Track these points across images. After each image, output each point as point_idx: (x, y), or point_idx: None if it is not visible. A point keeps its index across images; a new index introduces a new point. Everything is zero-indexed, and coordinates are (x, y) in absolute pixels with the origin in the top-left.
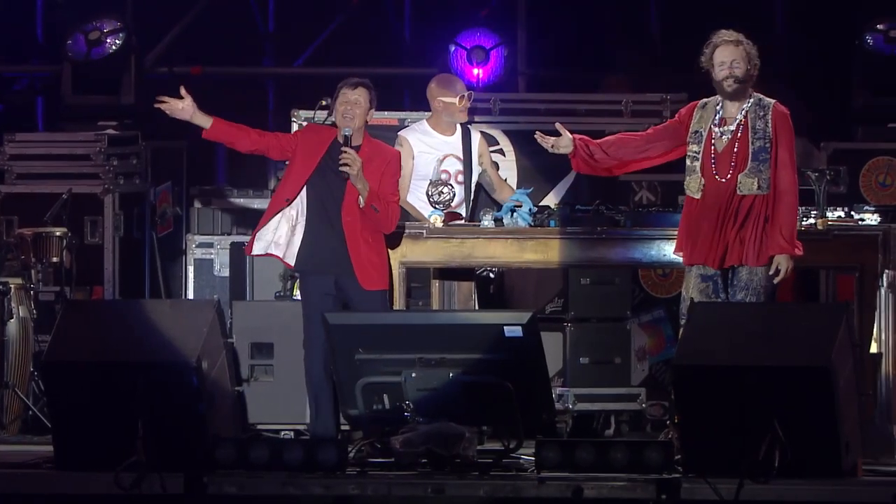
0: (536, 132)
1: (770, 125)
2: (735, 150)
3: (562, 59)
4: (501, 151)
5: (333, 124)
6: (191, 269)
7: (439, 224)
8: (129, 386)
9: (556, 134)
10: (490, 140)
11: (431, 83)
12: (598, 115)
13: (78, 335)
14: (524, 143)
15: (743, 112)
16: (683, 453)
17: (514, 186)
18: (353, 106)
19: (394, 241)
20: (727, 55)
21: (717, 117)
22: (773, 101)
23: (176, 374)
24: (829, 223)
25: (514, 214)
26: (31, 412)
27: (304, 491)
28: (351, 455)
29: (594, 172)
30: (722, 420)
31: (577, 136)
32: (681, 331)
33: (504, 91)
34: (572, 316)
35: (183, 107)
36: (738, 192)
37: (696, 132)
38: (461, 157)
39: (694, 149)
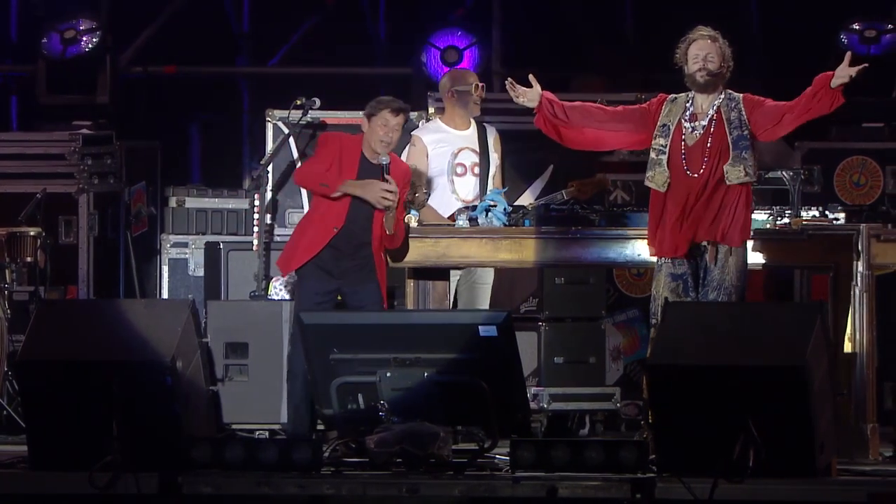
0: (508, 79)
1: (743, 113)
2: (708, 144)
3: (536, 59)
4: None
5: (310, 124)
6: (165, 268)
7: (414, 224)
8: (103, 385)
9: (532, 135)
10: None
11: (444, 78)
12: None
13: (52, 335)
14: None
15: (715, 107)
16: (658, 453)
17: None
18: (393, 132)
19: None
20: (702, 49)
21: (687, 112)
22: (741, 94)
23: (150, 374)
24: (804, 223)
25: (489, 214)
26: (5, 412)
27: (279, 491)
28: (326, 455)
29: (552, 134)
30: (697, 419)
31: (547, 93)
32: (652, 330)
33: None
34: (547, 315)
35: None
36: (725, 181)
37: (664, 125)
38: (477, 149)
39: (661, 142)
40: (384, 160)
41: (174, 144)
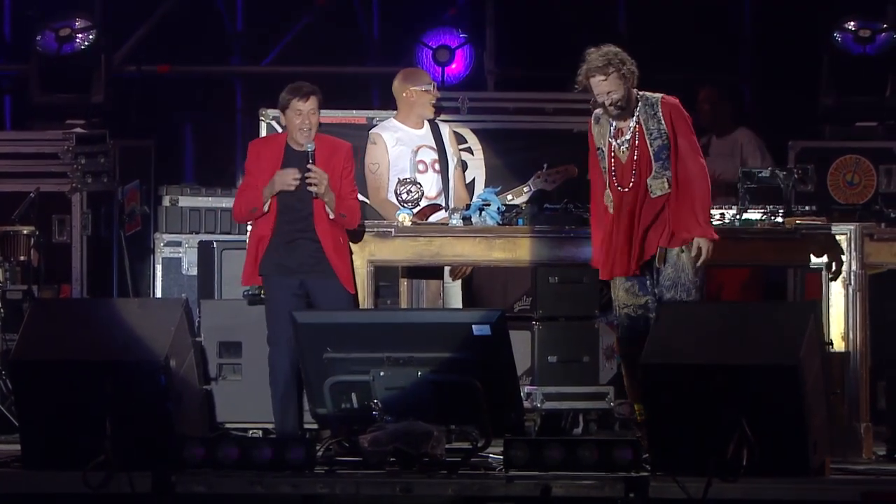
0: None
1: (663, 121)
2: (636, 157)
3: (530, 58)
4: (470, 150)
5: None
6: (159, 267)
7: (408, 223)
8: (96, 385)
9: (526, 134)
10: (459, 139)
11: (398, 77)
12: (566, 114)
13: (46, 334)
14: (492, 142)
15: (635, 119)
16: (652, 452)
17: (483, 185)
18: (308, 116)
19: (358, 237)
20: (601, 88)
21: (611, 130)
22: (659, 95)
23: (144, 373)
24: (797, 222)
25: (483, 213)
26: None
27: (273, 490)
28: (319, 454)
29: None
30: (690, 418)
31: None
32: (615, 340)
33: (473, 90)
34: (540, 314)
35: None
36: (650, 195)
37: (599, 149)
38: (434, 146)
39: (603, 165)
40: (309, 147)
41: (168, 143)
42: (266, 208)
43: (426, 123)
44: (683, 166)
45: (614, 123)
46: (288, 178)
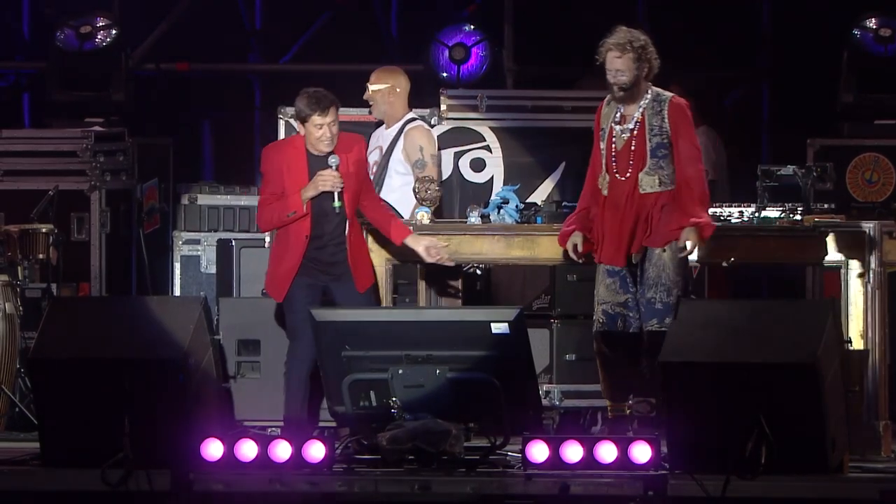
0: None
1: (667, 121)
2: (633, 148)
3: (549, 56)
4: (488, 148)
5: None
6: (177, 265)
7: (426, 221)
8: (115, 382)
9: (544, 132)
10: (477, 137)
11: None
12: (585, 112)
13: (64, 332)
14: (511, 140)
15: (640, 110)
16: (670, 450)
17: (502, 184)
18: (329, 128)
19: (376, 235)
20: (612, 65)
21: (617, 115)
22: (670, 94)
23: (162, 371)
24: (816, 220)
25: (501, 211)
26: (17, 409)
27: (291, 488)
28: (338, 452)
29: None
30: (709, 416)
31: (577, 230)
32: (595, 340)
33: (491, 88)
34: (559, 312)
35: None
36: (639, 190)
37: (603, 129)
38: (385, 148)
39: (602, 146)
40: (333, 162)
41: (186, 141)
42: (305, 209)
43: (398, 124)
44: (682, 169)
45: (622, 109)
46: (334, 181)
